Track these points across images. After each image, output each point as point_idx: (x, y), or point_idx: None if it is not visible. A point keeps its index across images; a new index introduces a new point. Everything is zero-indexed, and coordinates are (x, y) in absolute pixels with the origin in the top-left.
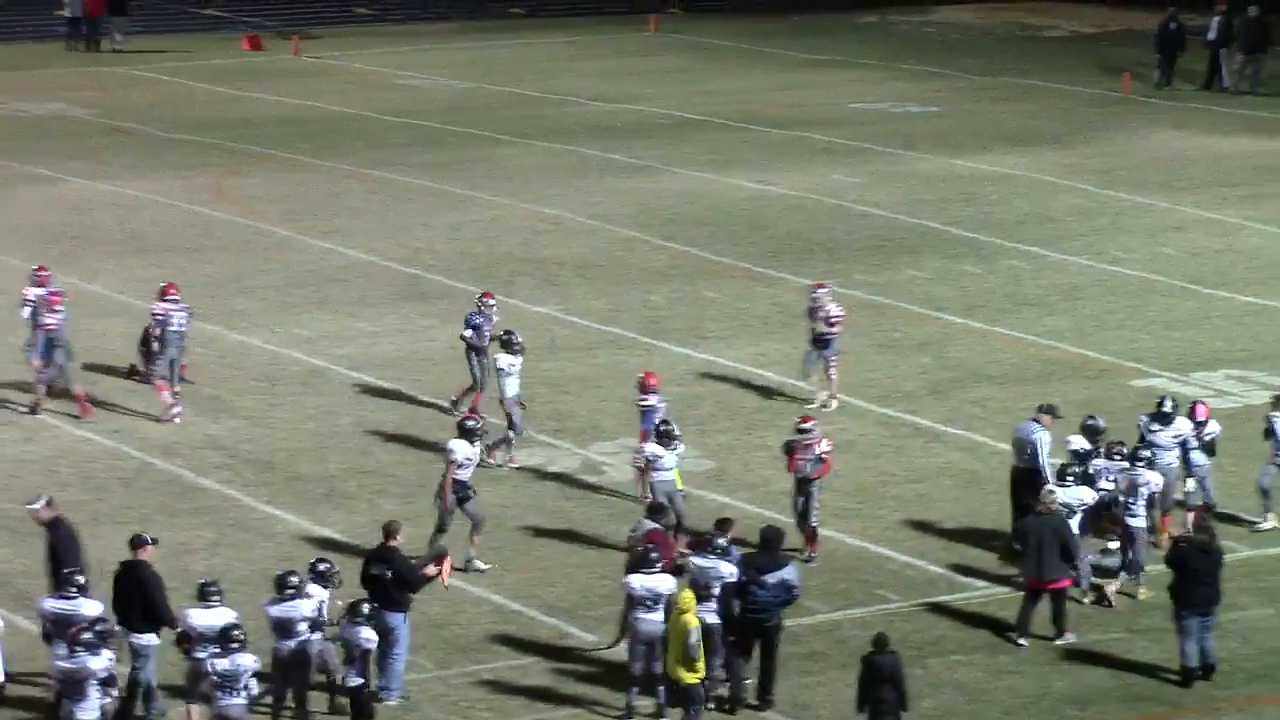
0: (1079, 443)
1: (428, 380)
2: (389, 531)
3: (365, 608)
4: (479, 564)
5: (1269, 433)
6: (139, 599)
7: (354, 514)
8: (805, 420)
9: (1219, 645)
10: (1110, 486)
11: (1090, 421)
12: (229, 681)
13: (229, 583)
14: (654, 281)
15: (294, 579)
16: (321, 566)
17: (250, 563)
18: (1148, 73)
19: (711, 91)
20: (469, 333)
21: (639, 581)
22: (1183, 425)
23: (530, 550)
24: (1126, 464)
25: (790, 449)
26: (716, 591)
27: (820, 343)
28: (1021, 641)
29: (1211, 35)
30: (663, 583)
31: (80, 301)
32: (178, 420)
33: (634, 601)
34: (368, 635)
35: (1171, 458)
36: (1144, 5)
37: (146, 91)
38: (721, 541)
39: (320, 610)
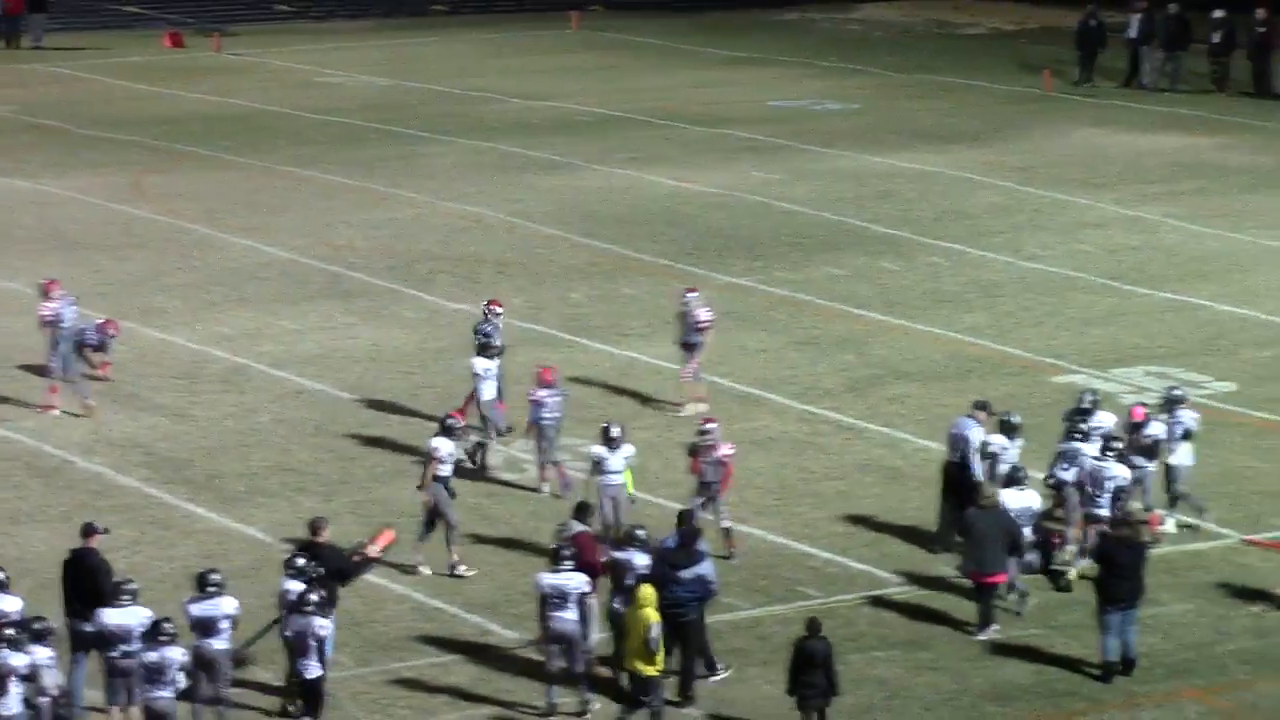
0: (998, 441)
1: (349, 378)
2: (315, 528)
3: (316, 596)
4: (462, 569)
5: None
6: (88, 586)
7: (275, 512)
8: (706, 422)
9: (1139, 640)
10: (1068, 476)
11: (1006, 418)
12: (157, 674)
13: (149, 581)
14: (574, 279)
15: (215, 577)
16: (299, 561)
17: (171, 561)
18: (1068, 70)
19: (632, 89)
20: (479, 340)
21: (548, 580)
22: (1104, 419)
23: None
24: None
25: (693, 451)
26: (629, 582)
27: (688, 347)
28: (983, 636)
29: (1132, 32)
30: (571, 581)
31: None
32: (91, 404)
33: (544, 600)
34: (321, 624)
35: (1094, 451)
36: (1064, 2)
37: (66, 89)
38: (640, 533)
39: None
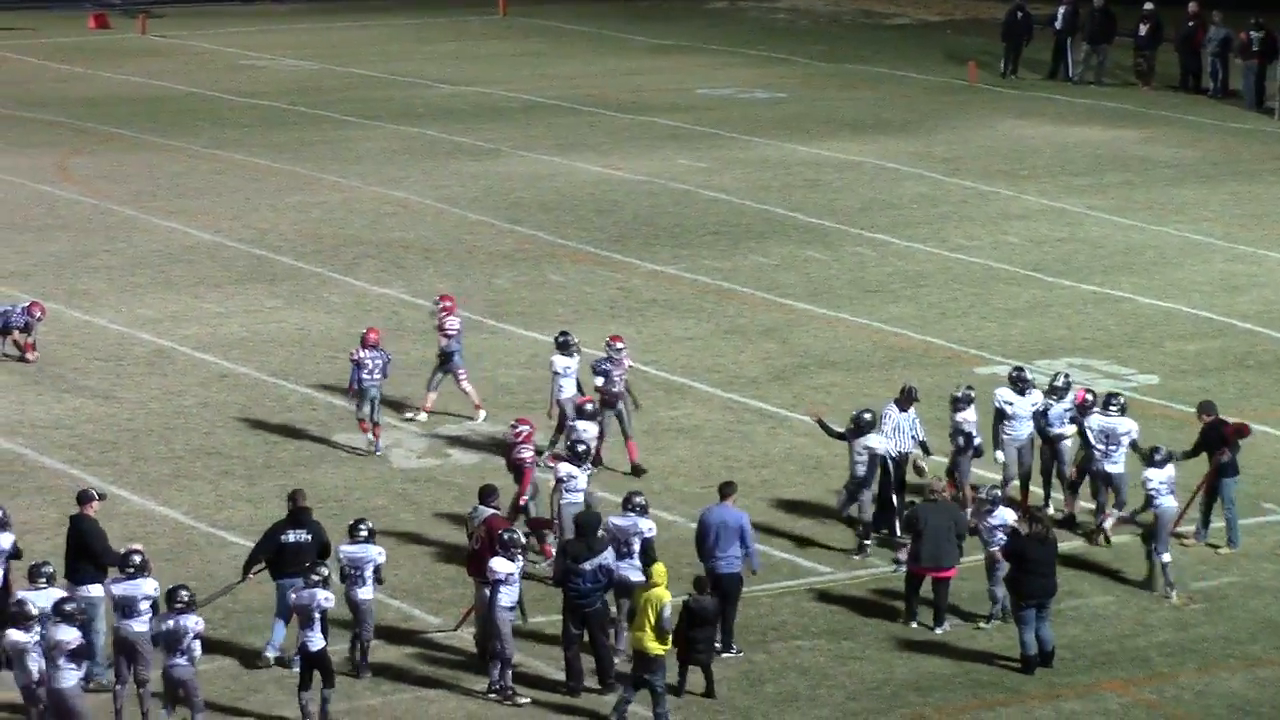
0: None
1: (274, 361)
2: (296, 497)
3: (322, 570)
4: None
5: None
6: (84, 551)
7: (198, 495)
8: (520, 422)
9: (1060, 632)
10: (1066, 431)
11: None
12: (174, 641)
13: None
14: (500, 265)
15: (136, 558)
16: (363, 529)
17: None
18: (993, 61)
19: (559, 75)
20: (599, 381)
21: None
22: (1038, 397)
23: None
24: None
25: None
26: (636, 547)
27: (444, 356)
28: (914, 625)
29: (1057, 25)
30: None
31: None
32: None
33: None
34: (325, 595)
35: (1027, 429)
36: None
37: None
38: (639, 500)
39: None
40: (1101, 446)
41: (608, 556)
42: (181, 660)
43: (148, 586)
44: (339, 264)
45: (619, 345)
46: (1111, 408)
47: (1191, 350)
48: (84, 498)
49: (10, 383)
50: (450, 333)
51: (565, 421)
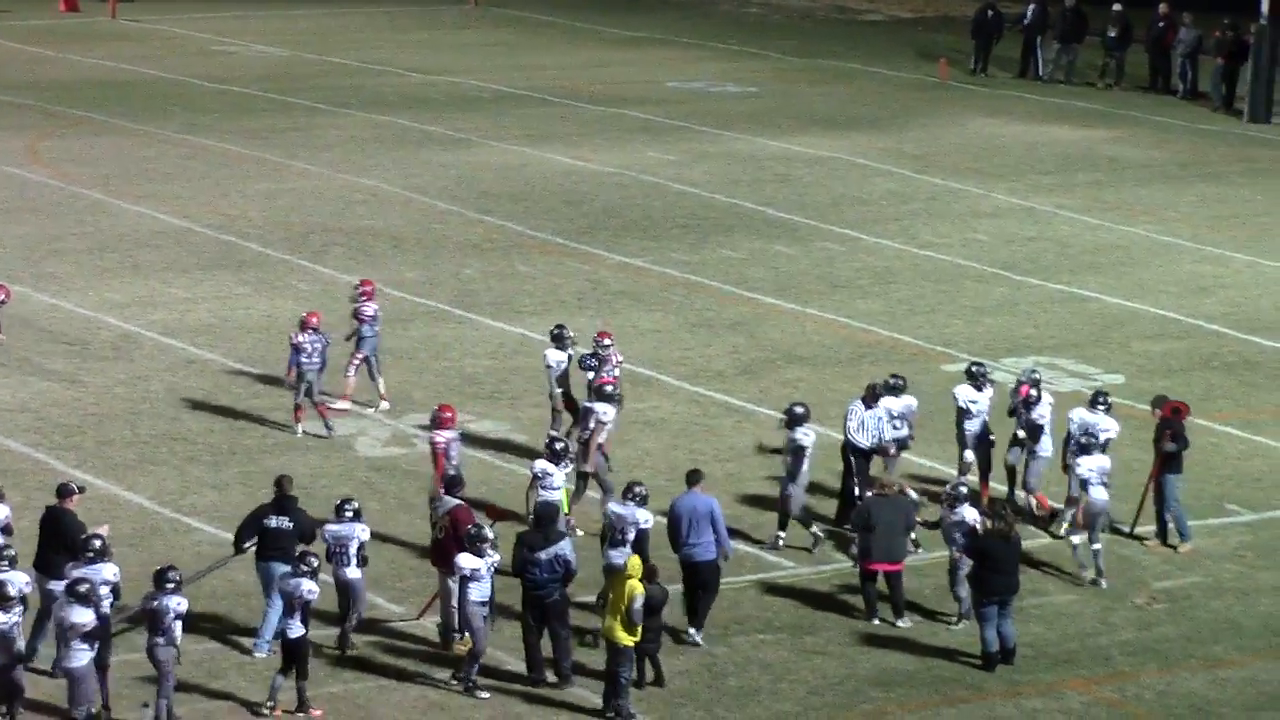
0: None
1: (241, 348)
2: (283, 484)
3: (313, 560)
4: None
5: (1013, 410)
6: (60, 544)
7: (163, 480)
8: (443, 409)
9: (1023, 630)
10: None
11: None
12: (156, 621)
13: (33, 547)
14: (469, 254)
15: (96, 543)
16: (349, 509)
17: None
18: (964, 59)
19: (530, 66)
20: (589, 377)
21: (330, 529)
22: (991, 394)
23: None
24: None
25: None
26: (630, 536)
27: (359, 342)
28: (877, 621)
29: (1026, 22)
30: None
31: None
32: None
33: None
34: (310, 587)
35: (977, 425)
36: None
37: None
38: (640, 490)
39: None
40: (1082, 440)
41: (564, 547)
42: (161, 640)
43: (107, 572)
44: (307, 251)
45: (606, 341)
46: (1099, 406)
47: (1158, 350)
48: (64, 491)
49: None
50: (364, 317)
51: (562, 413)
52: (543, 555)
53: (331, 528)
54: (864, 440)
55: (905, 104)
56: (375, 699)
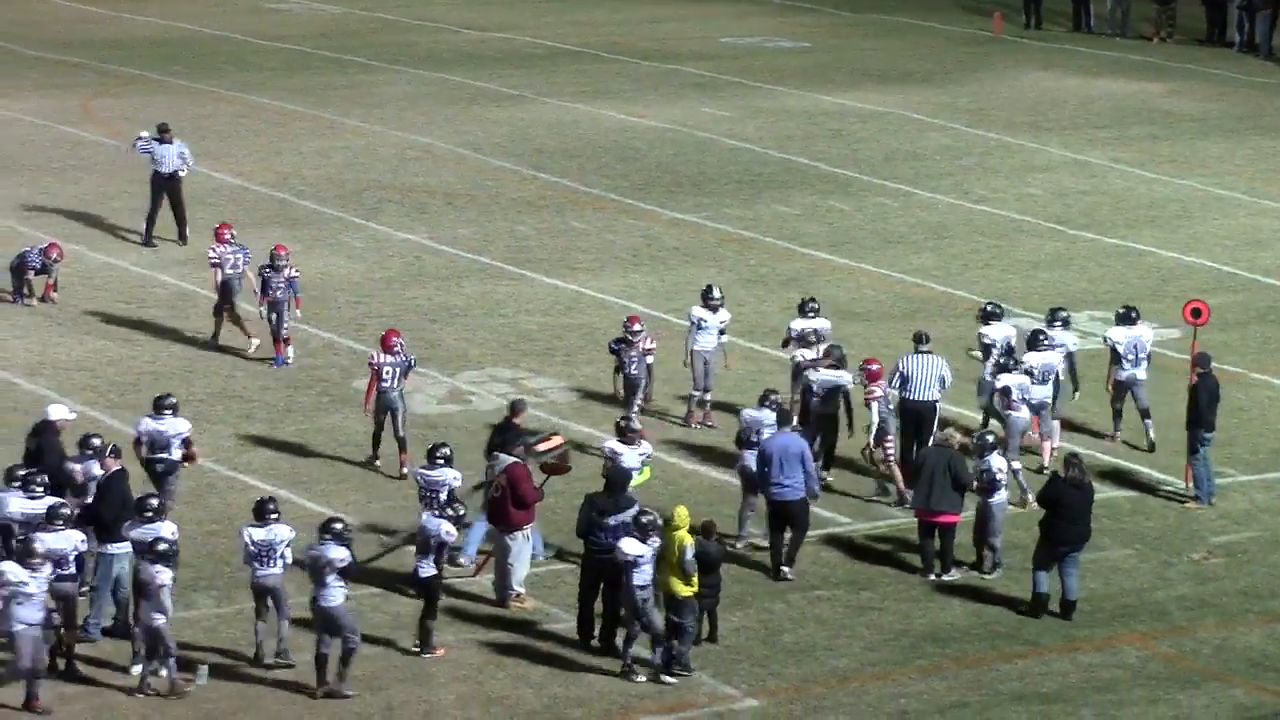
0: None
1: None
2: (515, 409)
3: (459, 507)
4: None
5: (986, 350)
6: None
7: (219, 438)
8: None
9: (1079, 585)
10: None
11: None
12: (266, 552)
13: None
14: (523, 211)
15: (153, 501)
16: (440, 455)
17: None
18: (1018, 13)
19: (583, 22)
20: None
21: (421, 473)
22: (997, 330)
23: (394, 480)
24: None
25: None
26: (755, 439)
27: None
28: (932, 575)
29: None
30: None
31: None
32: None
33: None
34: (448, 529)
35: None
36: None
37: (13, 9)
38: (775, 397)
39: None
40: (1000, 359)
41: (633, 513)
42: (275, 569)
43: (165, 530)
44: (361, 209)
45: (636, 327)
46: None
47: (1214, 304)
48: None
49: (32, 324)
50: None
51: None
52: (612, 520)
53: (423, 471)
54: (924, 394)
55: (959, 58)
56: (468, 657)
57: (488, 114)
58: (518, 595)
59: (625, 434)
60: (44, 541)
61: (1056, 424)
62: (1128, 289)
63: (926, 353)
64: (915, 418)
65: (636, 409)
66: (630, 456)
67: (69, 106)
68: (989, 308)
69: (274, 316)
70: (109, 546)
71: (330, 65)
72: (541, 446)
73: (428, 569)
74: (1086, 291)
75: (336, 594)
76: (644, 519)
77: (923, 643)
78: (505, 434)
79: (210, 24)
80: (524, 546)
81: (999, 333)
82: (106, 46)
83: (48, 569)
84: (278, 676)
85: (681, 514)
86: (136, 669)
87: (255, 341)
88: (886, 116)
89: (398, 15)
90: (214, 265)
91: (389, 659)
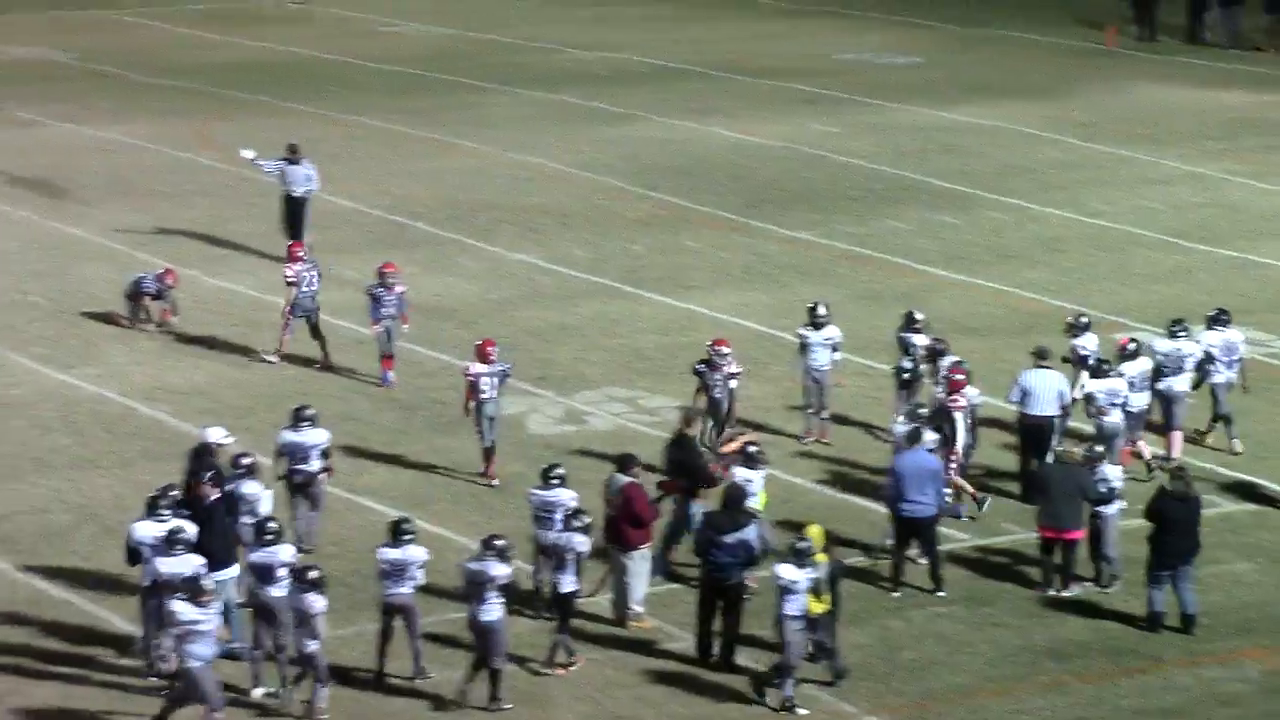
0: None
1: (411, 328)
2: (688, 420)
3: (584, 518)
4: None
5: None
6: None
7: (336, 459)
8: (718, 344)
9: (1200, 598)
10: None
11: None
12: (398, 570)
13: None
14: (636, 230)
15: (273, 525)
16: (555, 476)
17: None
18: (1130, 26)
19: (694, 40)
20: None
21: (535, 494)
22: (1090, 341)
23: (512, 499)
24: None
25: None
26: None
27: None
28: (1052, 591)
29: None
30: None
31: (64, 245)
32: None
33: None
34: (581, 540)
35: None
36: None
37: (127, 36)
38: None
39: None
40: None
41: (749, 532)
42: (406, 589)
43: (284, 553)
44: (475, 230)
45: (724, 350)
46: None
47: None
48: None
49: (150, 349)
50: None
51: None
52: (729, 539)
53: (538, 493)
54: (1044, 409)
55: (1071, 71)
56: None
57: (599, 133)
58: (636, 615)
59: (751, 459)
60: (209, 576)
61: (1178, 435)
62: (1246, 301)
63: (1046, 368)
64: (1035, 433)
65: (716, 431)
66: (758, 481)
67: (183, 132)
68: (1082, 319)
69: (385, 335)
70: (214, 574)
71: (442, 87)
72: (727, 448)
73: (568, 584)
74: (1204, 305)
75: (496, 609)
76: (799, 544)
77: (1043, 658)
78: (680, 446)
79: (323, 47)
80: (642, 565)
81: (1092, 343)
82: (220, 71)
83: (218, 604)
84: (413, 688)
85: (816, 532)
86: (257, 692)
87: (275, 359)
88: (999, 130)
89: (509, 37)
90: (290, 284)
91: (510, 679)
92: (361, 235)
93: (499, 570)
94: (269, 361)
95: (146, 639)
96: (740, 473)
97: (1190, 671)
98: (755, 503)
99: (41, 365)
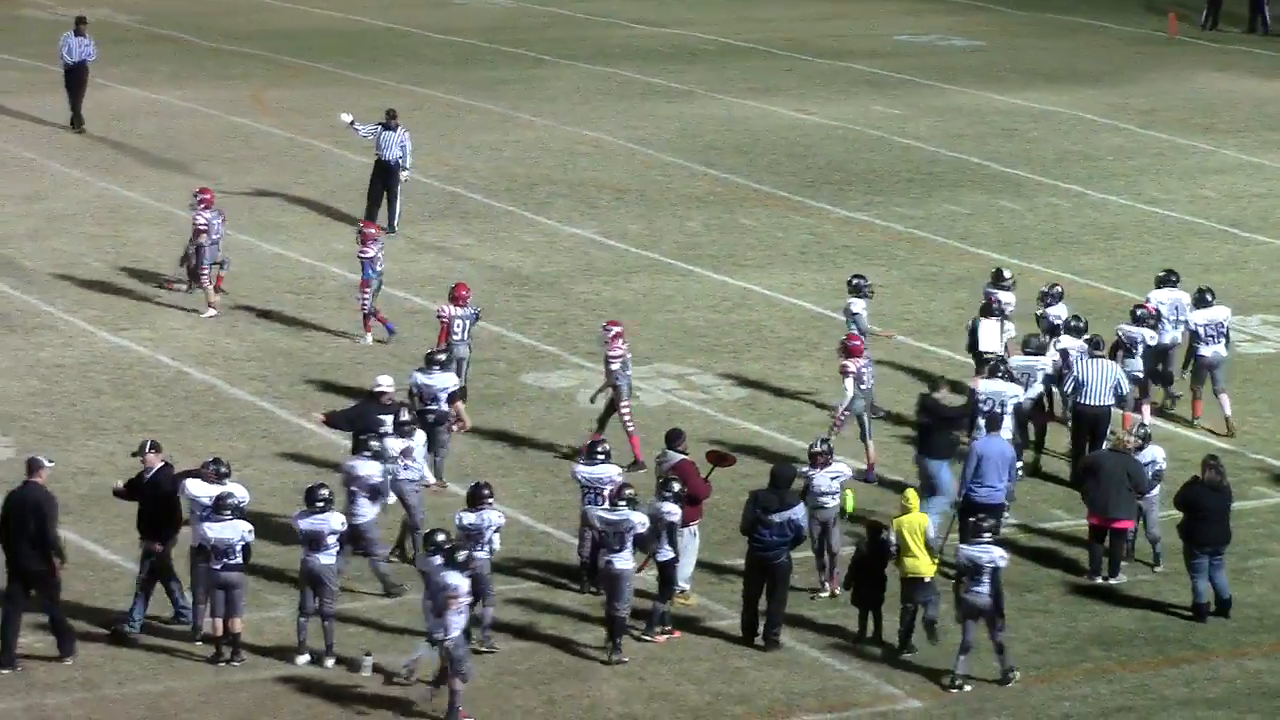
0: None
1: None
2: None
3: (674, 486)
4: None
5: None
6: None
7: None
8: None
9: (1246, 590)
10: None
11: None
12: (474, 535)
13: (261, 494)
14: (692, 207)
15: (324, 492)
16: (601, 452)
17: (281, 475)
18: (1194, 14)
19: (756, 18)
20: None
21: (582, 472)
22: (1061, 310)
23: (560, 473)
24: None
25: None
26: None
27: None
28: (1098, 580)
29: None
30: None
31: (119, 208)
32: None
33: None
34: (670, 509)
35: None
36: None
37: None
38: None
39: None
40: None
41: (798, 511)
42: (483, 553)
43: (335, 521)
44: (531, 203)
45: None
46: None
47: None
48: (34, 464)
49: (203, 314)
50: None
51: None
52: (776, 517)
53: (583, 470)
54: (1100, 398)
55: (1131, 58)
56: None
57: (658, 109)
58: (682, 591)
59: (815, 458)
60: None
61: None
62: None
63: (1101, 357)
64: (1090, 423)
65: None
66: (822, 480)
67: (241, 97)
68: (1056, 289)
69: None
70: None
71: (502, 59)
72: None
73: (665, 552)
74: (1260, 295)
75: (629, 560)
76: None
77: (1088, 645)
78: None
79: (384, 17)
80: (690, 542)
81: (1064, 313)
82: (280, 37)
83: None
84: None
85: (912, 495)
86: (302, 659)
87: (369, 339)
88: (1059, 116)
89: (570, 10)
90: (366, 260)
91: (551, 654)
92: (418, 205)
93: (639, 518)
94: (363, 342)
95: (194, 602)
96: (805, 471)
97: (1235, 662)
98: (834, 502)
99: (95, 328)
